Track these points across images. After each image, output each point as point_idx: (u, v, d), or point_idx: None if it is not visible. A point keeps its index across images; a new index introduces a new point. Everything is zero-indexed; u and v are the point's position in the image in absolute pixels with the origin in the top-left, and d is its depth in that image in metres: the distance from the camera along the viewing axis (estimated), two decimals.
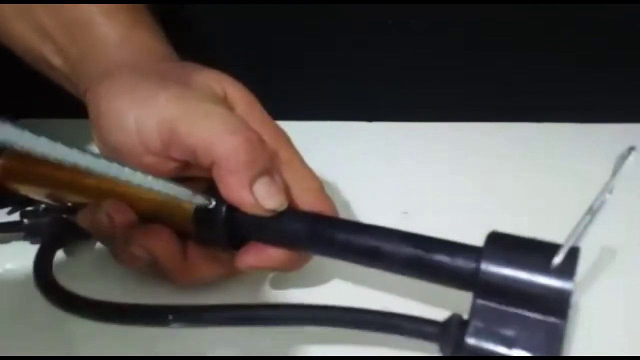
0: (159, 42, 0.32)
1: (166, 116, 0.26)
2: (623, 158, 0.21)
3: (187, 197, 0.25)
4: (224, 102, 0.29)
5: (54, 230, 0.33)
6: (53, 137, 0.18)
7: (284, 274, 0.30)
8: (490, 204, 0.38)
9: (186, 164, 0.27)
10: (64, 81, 0.32)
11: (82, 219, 0.30)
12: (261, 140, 0.27)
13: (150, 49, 0.31)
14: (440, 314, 0.24)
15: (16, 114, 0.43)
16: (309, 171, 0.29)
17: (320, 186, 0.29)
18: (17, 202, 0.34)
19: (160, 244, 0.28)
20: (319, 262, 0.29)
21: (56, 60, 0.32)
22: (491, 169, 0.42)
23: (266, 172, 0.26)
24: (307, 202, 0.28)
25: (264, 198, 0.26)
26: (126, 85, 0.28)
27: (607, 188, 0.21)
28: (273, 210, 0.26)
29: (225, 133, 0.26)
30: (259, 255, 0.28)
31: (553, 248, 0.21)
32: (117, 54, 0.30)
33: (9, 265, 0.33)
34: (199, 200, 0.26)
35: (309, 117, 0.48)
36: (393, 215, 0.37)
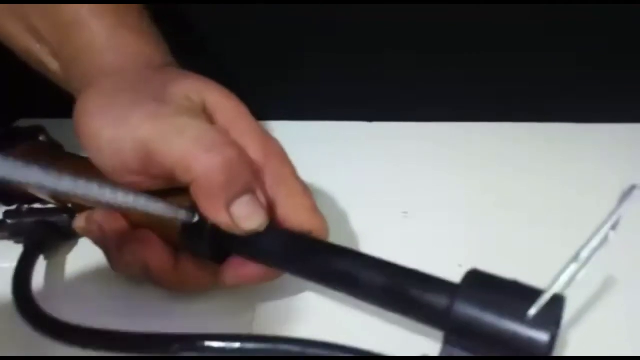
0: (144, 44, 0.31)
1: (140, 137, 0.25)
2: (626, 195, 0.20)
3: (170, 214, 0.25)
4: (202, 113, 0.28)
5: (35, 236, 0.33)
6: (28, 162, 0.18)
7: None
8: (490, 204, 0.38)
9: (171, 180, 0.26)
10: (62, 83, 0.32)
11: (78, 228, 0.30)
12: (242, 156, 0.26)
13: (134, 53, 0.30)
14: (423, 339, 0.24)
15: (16, 114, 0.43)
16: (301, 186, 0.28)
17: (311, 204, 0.28)
18: (25, 200, 0.35)
19: (152, 253, 0.28)
20: None
21: (51, 62, 0.32)
22: (491, 169, 0.42)
23: (247, 191, 0.25)
24: (297, 220, 0.27)
25: (241, 219, 0.25)
26: (101, 102, 0.27)
27: (603, 229, 0.19)
28: (252, 231, 0.25)
29: (201, 152, 0.25)
30: (237, 273, 0.27)
31: (536, 294, 0.20)
32: (100, 59, 0.29)
33: None
34: (182, 215, 0.26)
35: (309, 117, 0.48)
36: (393, 215, 0.37)
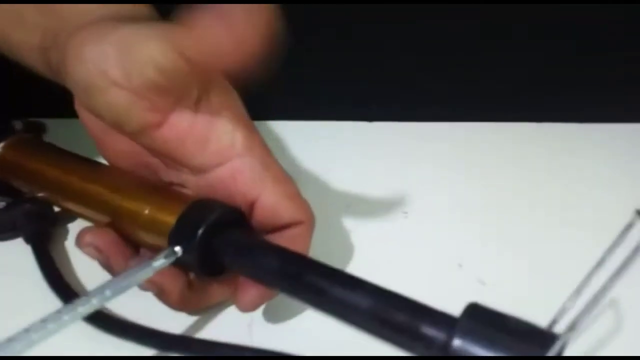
0: (145, 7, 0.30)
1: (121, 36, 0.25)
2: (629, 228, 0.19)
3: (154, 269, 0.24)
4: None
5: (31, 227, 0.33)
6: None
7: None
8: (490, 204, 0.38)
9: (149, 86, 0.25)
10: (44, 63, 0.31)
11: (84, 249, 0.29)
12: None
13: (132, 8, 0.29)
14: None
15: (14, 114, 0.43)
16: (285, 174, 0.28)
17: (296, 191, 0.28)
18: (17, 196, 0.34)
19: (167, 278, 0.26)
20: None
21: (34, 39, 0.30)
22: (491, 169, 0.42)
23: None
24: (283, 207, 0.27)
25: None
26: (97, 25, 0.27)
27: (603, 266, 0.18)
28: None
29: (169, 48, 0.24)
30: (255, 294, 0.27)
31: (537, 334, 0.19)
32: (93, 13, 0.28)
33: None
34: (166, 259, 0.25)
35: (309, 117, 0.48)
36: (393, 216, 0.37)
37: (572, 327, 0.18)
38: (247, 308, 0.27)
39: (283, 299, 0.29)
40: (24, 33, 0.30)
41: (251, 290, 0.27)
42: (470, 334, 0.19)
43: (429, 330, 0.20)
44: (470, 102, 0.48)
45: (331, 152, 0.44)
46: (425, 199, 0.39)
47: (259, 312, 0.29)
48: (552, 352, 0.17)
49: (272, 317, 0.29)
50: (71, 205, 0.31)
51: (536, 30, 0.46)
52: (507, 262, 0.33)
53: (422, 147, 0.45)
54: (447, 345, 0.19)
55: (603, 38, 0.46)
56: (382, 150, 0.45)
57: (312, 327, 0.29)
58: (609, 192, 0.39)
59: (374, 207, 0.38)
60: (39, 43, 0.30)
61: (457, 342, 0.19)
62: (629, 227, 0.19)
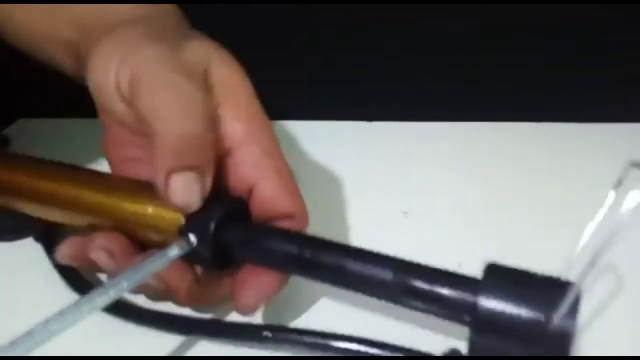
0: (172, 7, 0.32)
1: (139, 70, 0.26)
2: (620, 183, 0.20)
3: (169, 259, 0.24)
4: (203, 81, 0.28)
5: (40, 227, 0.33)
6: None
7: None
8: (490, 203, 0.38)
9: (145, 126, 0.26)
10: (72, 57, 0.31)
11: (67, 256, 0.28)
12: (211, 138, 0.26)
13: (159, 6, 0.31)
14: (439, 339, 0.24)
15: (16, 114, 0.43)
16: (288, 168, 0.28)
17: (295, 187, 0.28)
18: None
19: (175, 274, 0.26)
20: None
21: (64, 32, 0.31)
22: (491, 169, 0.42)
23: (194, 169, 0.25)
24: (280, 201, 0.27)
25: (174, 192, 0.25)
26: (123, 36, 0.28)
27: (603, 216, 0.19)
28: (178, 207, 0.25)
29: (177, 117, 0.25)
30: (256, 293, 0.26)
31: (556, 285, 0.20)
32: (124, 9, 0.30)
33: None
34: (181, 249, 0.25)
35: (309, 117, 0.48)
36: (393, 215, 0.37)
37: (586, 272, 0.19)
38: (246, 310, 0.27)
39: (284, 301, 0.29)
40: (53, 26, 0.31)
41: (249, 291, 0.26)
42: (494, 291, 0.20)
43: (455, 293, 0.21)
44: (470, 102, 0.48)
45: (331, 152, 0.44)
46: (425, 199, 0.39)
47: (258, 316, 0.29)
48: (571, 296, 0.19)
49: (275, 318, 0.29)
50: (59, 215, 0.30)
51: (536, 30, 0.46)
52: (507, 262, 0.33)
53: (422, 147, 0.45)
54: (474, 304, 0.20)
55: (603, 38, 0.46)
56: (382, 150, 0.45)
57: (315, 327, 0.29)
58: (609, 192, 0.39)
59: (374, 207, 0.38)
60: (67, 37, 0.31)
61: (483, 300, 0.20)
62: (620, 182, 0.19)
